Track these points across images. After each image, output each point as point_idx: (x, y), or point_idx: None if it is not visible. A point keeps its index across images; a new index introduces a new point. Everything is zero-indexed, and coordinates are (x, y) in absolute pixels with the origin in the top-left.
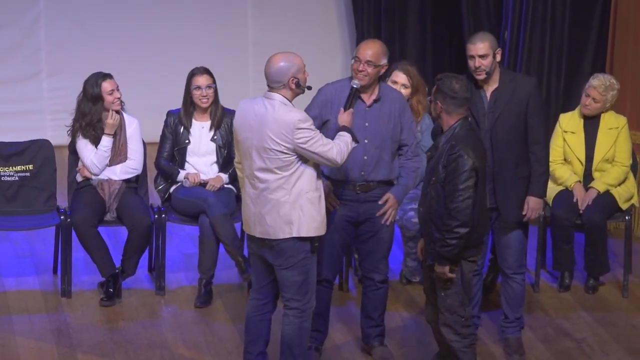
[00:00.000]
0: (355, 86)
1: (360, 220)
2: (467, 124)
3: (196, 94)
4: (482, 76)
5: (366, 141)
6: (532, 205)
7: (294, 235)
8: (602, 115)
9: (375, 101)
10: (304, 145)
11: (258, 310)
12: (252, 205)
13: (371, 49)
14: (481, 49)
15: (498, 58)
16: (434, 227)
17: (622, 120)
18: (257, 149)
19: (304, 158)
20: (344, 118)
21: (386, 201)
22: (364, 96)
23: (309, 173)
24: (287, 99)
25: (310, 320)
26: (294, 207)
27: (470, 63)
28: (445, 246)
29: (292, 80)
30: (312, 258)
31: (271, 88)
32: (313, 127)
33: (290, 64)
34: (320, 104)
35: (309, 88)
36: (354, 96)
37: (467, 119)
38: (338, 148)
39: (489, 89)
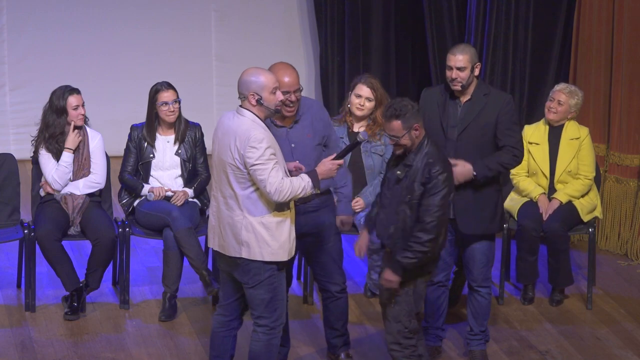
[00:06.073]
0: (359, 139)
1: (304, 233)
2: (431, 140)
3: (163, 109)
4: (457, 87)
5: (297, 161)
6: (460, 169)
7: (244, 256)
8: (566, 124)
9: (296, 121)
10: (250, 167)
11: (224, 327)
12: (213, 217)
13: (292, 76)
14: (459, 61)
15: (476, 72)
16: (403, 242)
17: (584, 131)
18: (220, 161)
19: None
20: (324, 168)
21: (342, 224)
22: (285, 121)
23: (266, 197)
24: (257, 117)
25: (279, 338)
26: (247, 229)
27: (448, 73)
28: (411, 258)
29: (253, 95)
30: (280, 275)
31: (241, 101)
32: (267, 153)
33: (255, 79)
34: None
35: (277, 111)
36: (353, 148)
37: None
38: (281, 186)
39: (463, 99)
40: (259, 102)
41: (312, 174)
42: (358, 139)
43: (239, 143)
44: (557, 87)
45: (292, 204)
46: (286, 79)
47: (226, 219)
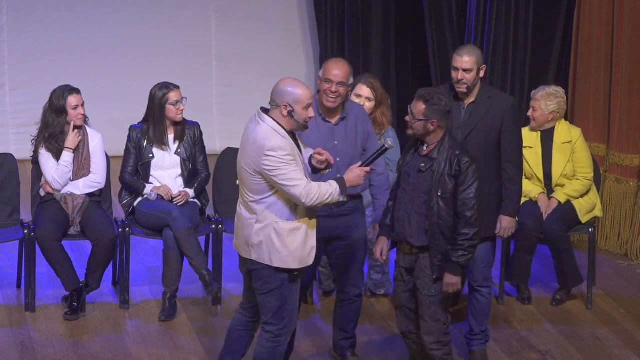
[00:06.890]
0: (387, 146)
1: (334, 236)
2: (450, 135)
3: (174, 108)
4: (462, 89)
5: (338, 159)
6: (505, 225)
7: (253, 258)
8: (557, 126)
9: (342, 119)
10: (269, 173)
11: (243, 326)
12: (236, 217)
13: (341, 70)
14: (466, 63)
15: (481, 74)
16: (443, 238)
17: (576, 132)
18: (239, 165)
19: (276, 188)
20: (352, 175)
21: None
22: (330, 116)
23: (282, 204)
24: (280, 125)
25: (285, 345)
26: (257, 233)
27: (454, 74)
28: (466, 255)
29: (285, 107)
30: (292, 286)
31: (270, 107)
32: (286, 159)
33: (292, 90)
34: None
35: (306, 127)
36: (380, 155)
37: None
38: (308, 189)
39: (467, 102)
40: (290, 114)
41: (341, 182)
42: (386, 145)
43: (253, 150)
44: (532, 92)
45: (313, 213)
46: (335, 72)
47: (242, 220)
